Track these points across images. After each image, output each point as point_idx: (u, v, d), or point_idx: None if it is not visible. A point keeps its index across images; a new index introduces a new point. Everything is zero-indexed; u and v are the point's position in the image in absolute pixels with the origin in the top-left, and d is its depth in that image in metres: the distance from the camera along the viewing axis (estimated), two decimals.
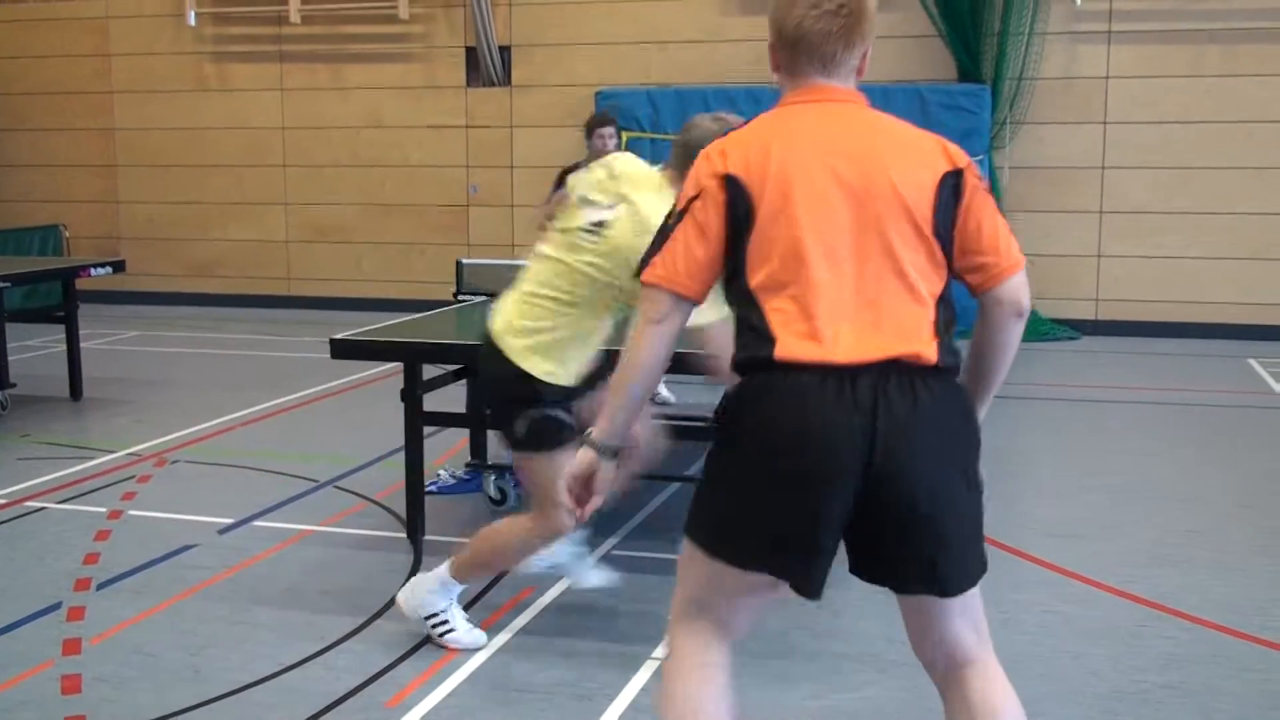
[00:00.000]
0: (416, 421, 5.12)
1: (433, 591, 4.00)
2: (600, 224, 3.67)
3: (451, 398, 5.97)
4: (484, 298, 6.54)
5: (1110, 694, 3.71)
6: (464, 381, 5.78)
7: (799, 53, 2.45)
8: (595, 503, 2.56)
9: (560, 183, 7.69)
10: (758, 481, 2.34)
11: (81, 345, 8.29)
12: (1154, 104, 10.97)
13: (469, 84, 12.63)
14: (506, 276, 7.17)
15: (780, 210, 2.35)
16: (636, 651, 3.96)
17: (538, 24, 12.34)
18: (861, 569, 2.43)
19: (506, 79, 12.50)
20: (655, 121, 11.33)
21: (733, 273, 2.41)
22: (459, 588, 4.03)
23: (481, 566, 4.02)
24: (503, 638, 4.11)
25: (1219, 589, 4.62)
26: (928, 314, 2.34)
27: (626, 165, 3.80)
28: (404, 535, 5.20)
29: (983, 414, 2.56)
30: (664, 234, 2.44)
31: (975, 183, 2.40)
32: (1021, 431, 7.39)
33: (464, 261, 7.00)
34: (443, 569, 4.01)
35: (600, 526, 5.03)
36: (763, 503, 2.34)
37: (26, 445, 6.89)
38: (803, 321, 2.31)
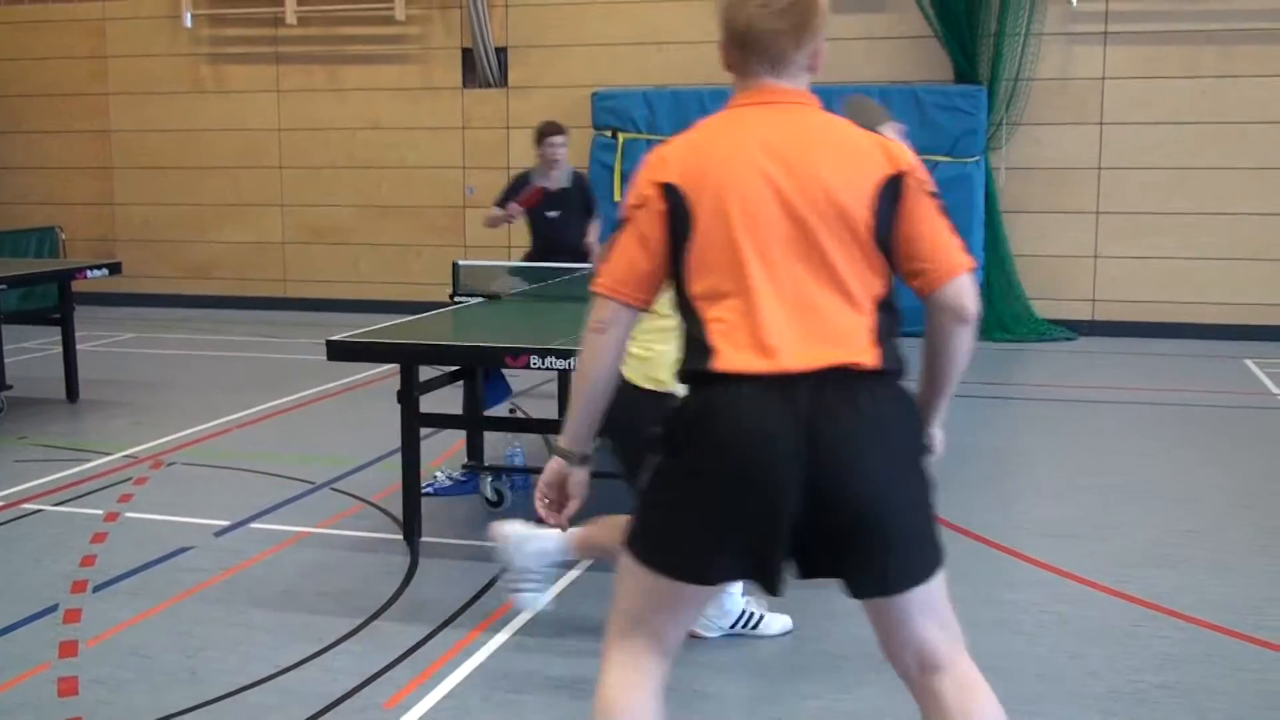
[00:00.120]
0: (413, 423, 5.12)
1: (542, 551, 3.97)
2: None
3: (448, 399, 5.97)
4: (480, 299, 6.54)
5: (1107, 694, 3.72)
6: (460, 383, 5.78)
7: (749, 51, 2.43)
8: (572, 507, 2.59)
9: (513, 189, 7.70)
10: (700, 494, 2.35)
11: (78, 347, 8.28)
12: (1150, 105, 10.98)
13: (465, 85, 12.63)
14: (502, 278, 7.21)
15: (717, 220, 2.35)
16: None
17: (534, 25, 12.34)
18: (812, 575, 2.42)
19: (503, 80, 12.50)
20: (651, 122, 11.33)
21: (676, 281, 2.42)
22: (563, 558, 4.03)
23: (600, 551, 3.89)
24: (501, 638, 4.11)
25: (1215, 589, 4.62)
26: (866, 320, 2.34)
27: None
28: (401, 537, 5.19)
29: (941, 417, 2.55)
30: (611, 242, 2.46)
31: (916, 186, 2.37)
32: (1018, 432, 7.40)
33: (460, 263, 6.99)
34: (564, 535, 3.85)
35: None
36: (704, 515, 2.34)
37: (23, 447, 6.89)
38: (741, 332, 2.32)
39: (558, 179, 7.53)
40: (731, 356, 2.32)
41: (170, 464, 6.54)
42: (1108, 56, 11.06)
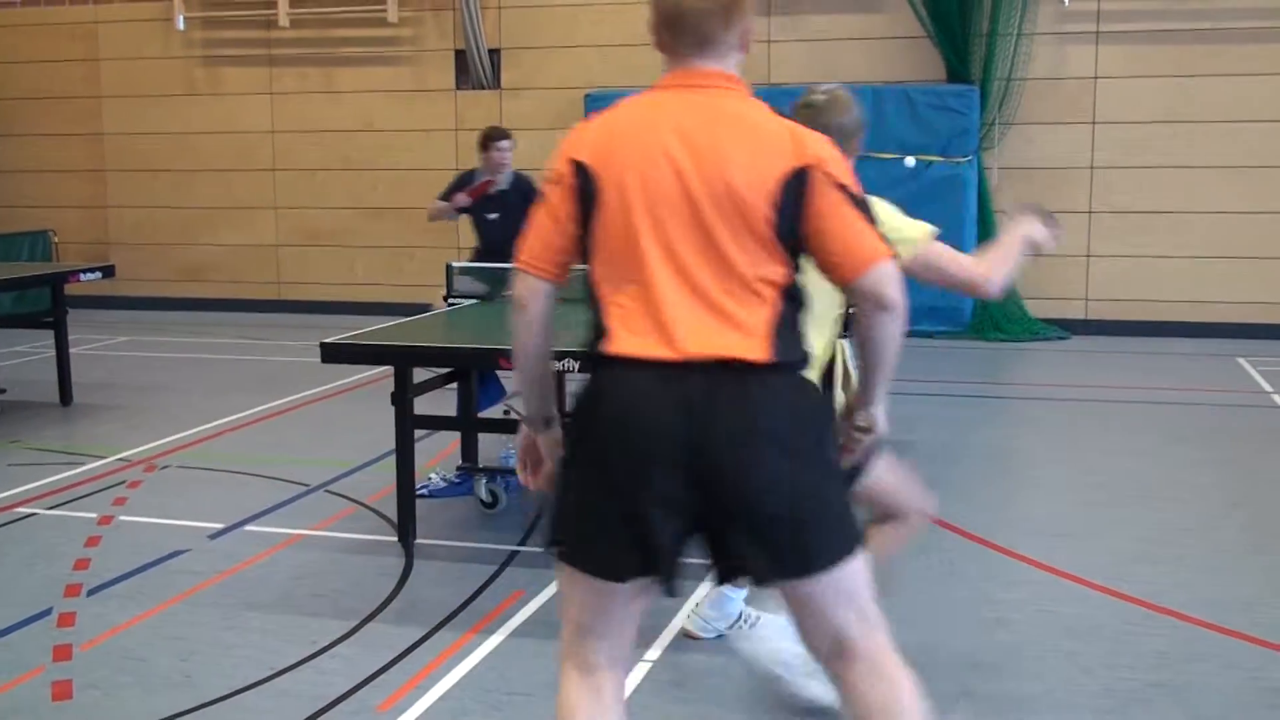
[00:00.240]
0: (407, 425, 5.12)
1: (786, 637, 3.44)
2: None
3: (442, 401, 5.97)
4: (474, 301, 6.54)
5: (1101, 692, 3.73)
6: (454, 385, 5.78)
7: (678, 32, 2.43)
8: (547, 467, 2.62)
9: (458, 185, 7.73)
10: (596, 483, 2.37)
11: (71, 350, 8.27)
12: (1142, 104, 11.00)
13: (458, 87, 12.62)
14: (497, 279, 7.21)
15: (620, 203, 2.37)
16: None
17: (527, 27, 12.34)
18: (720, 570, 2.43)
19: (496, 82, 12.50)
20: None
21: (584, 260, 2.45)
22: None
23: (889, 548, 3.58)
24: (494, 640, 4.11)
25: (1208, 587, 4.64)
26: (763, 312, 2.34)
27: None
28: (395, 539, 5.19)
29: (878, 406, 2.59)
30: (530, 217, 2.49)
31: (823, 179, 2.35)
32: (1011, 431, 7.41)
33: (454, 265, 6.99)
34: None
35: None
36: (602, 504, 2.36)
37: (16, 451, 6.88)
38: (637, 317, 2.34)
39: (500, 181, 7.56)
40: (625, 341, 2.34)
41: (164, 467, 6.54)
42: (1100, 56, 11.08)
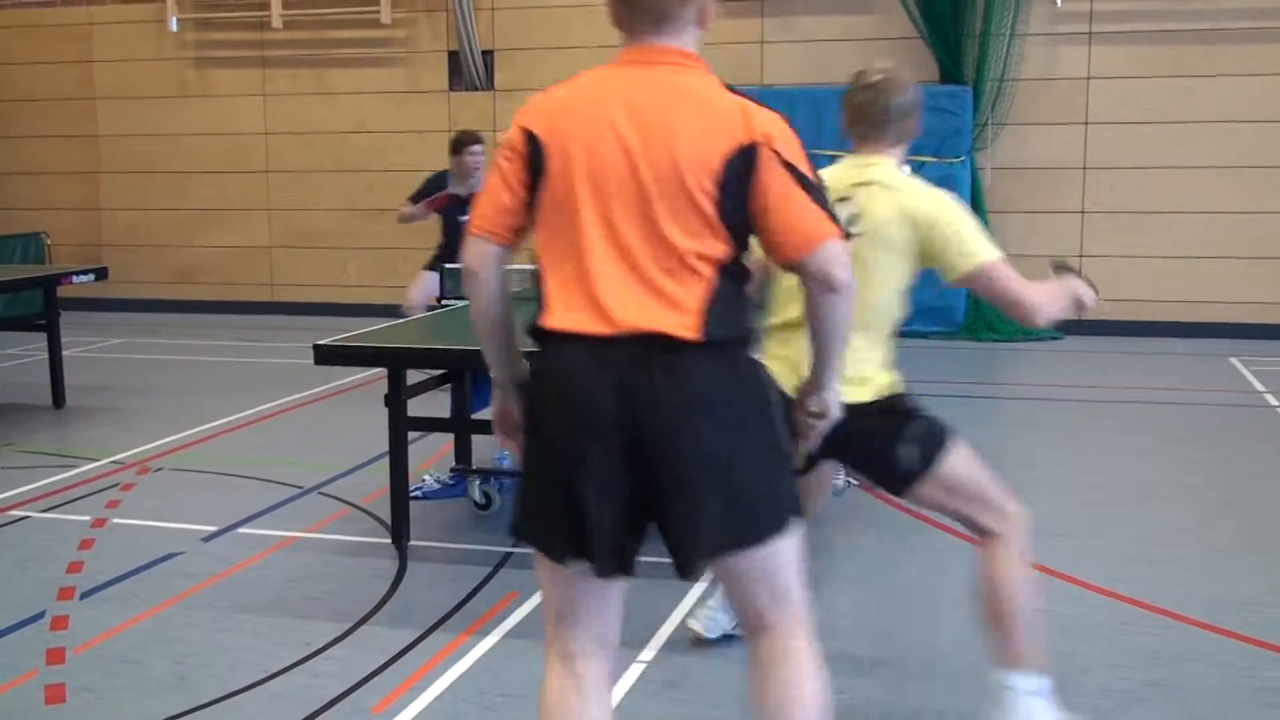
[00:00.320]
0: (401, 426, 5.11)
1: (1039, 712, 3.29)
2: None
3: (436, 403, 5.96)
4: (468, 302, 6.52)
5: (1098, 691, 3.73)
6: (448, 386, 5.77)
7: (635, 9, 2.43)
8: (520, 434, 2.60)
9: (428, 187, 7.74)
10: (541, 456, 2.41)
11: (64, 353, 8.25)
12: (1135, 104, 11.01)
13: (452, 88, 12.62)
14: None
15: (563, 174, 2.38)
16: (622, 654, 3.95)
17: (520, 28, 12.33)
18: (669, 552, 2.41)
19: (489, 83, 12.49)
20: None
21: (532, 230, 2.47)
22: (1039, 679, 3.33)
23: (1013, 628, 3.34)
24: (488, 642, 4.10)
25: (1204, 586, 4.64)
26: (699, 289, 2.33)
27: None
28: (389, 541, 5.18)
29: (830, 391, 2.58)
30: (484, 182, 2.51)
31: (769, 157, 2.33)
32: (1006, 431, 7.41)
33: (448, 267, 6.97)
34: (1012, 678, 3.30)
35: None
36: (544, 478, 2.39)
37: (9, 454, 6.85)
38: (574, 291, 2.36)
39: (471, 185, 7.55)
40: (562, 315, 2.37)
41: (157, 469, 6.52)
42: (1092, 56, 11.10)
